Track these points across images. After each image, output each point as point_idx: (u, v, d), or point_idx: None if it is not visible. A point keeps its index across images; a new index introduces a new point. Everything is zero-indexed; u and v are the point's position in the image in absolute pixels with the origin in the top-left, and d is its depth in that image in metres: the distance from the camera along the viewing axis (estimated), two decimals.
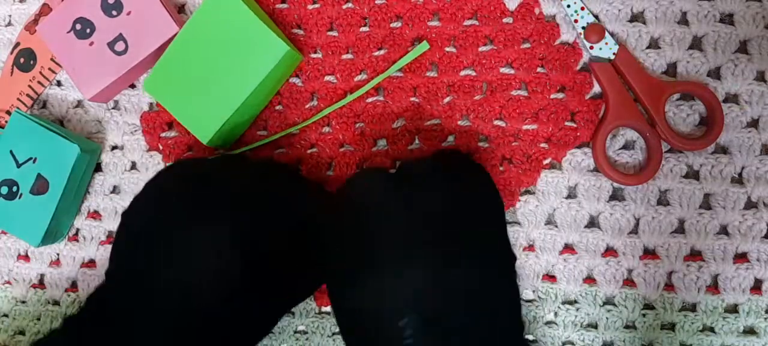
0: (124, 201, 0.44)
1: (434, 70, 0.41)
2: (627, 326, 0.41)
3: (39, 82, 0.45)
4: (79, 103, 0.45)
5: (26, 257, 0.45)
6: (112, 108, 0.44)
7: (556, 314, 0.41)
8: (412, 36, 0.41)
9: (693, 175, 0.40)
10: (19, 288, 0.45)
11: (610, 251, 0.41)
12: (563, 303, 0.41)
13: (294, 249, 0.32)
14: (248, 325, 0.30)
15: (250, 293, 0.30)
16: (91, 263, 0.45)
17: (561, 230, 0.41)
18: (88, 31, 0.41)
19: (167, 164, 0.43)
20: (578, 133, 0.40)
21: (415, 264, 0.28)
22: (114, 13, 0.41)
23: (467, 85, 0.41)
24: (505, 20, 0.40)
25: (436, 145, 0.41)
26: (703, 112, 0.40)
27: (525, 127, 0.40)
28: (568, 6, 0.40)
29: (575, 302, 0.41)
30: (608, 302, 0.41)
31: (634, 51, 0.40)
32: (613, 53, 0.40)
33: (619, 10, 0.40)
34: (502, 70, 0.41)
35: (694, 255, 0.40)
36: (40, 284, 0.45)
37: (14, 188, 0.42)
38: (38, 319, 0.45)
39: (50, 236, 0.42)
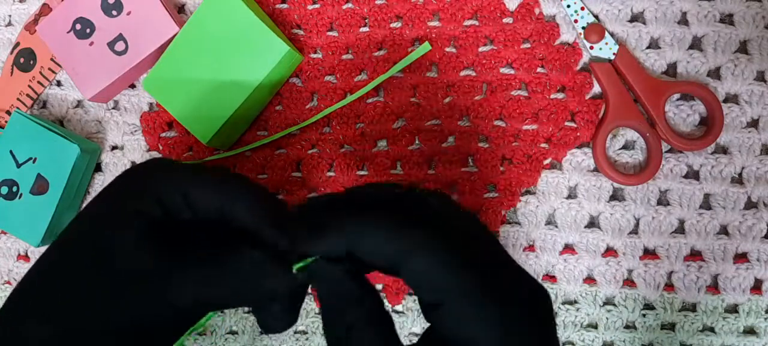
0: None
1: (434, 70, 0.41)
2: (627, 326, 0.41)
3: (39, 82, 0.44)
4: (79, 103, 0.45)
5: (26, 257, 0.45)
6: (112, 108, 0.44)
7: (556, 314, 0.41)
8: (412, 36, 0.41)
9: (693, 175, 0.40)
10: None
11: (610, 251, 0.41)
12: (563, 303, 0.41)
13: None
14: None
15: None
16: None
17: (561, 230, 0.41)
18: (88, 31, 0.41)
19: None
20: (578, 133, 0.40)
21: None
22: (114, 13, 0.41)
23: (467, 85, 0.41)
24: (505, 20, 0.40)
25: (436, 146, 0.41)
26: (703, 112, 0.40)
27: (525, 127, 0.40)
28: (568, 6, 0.40)
29: (575, 302, 0.41)
30: (608, 302, 0.41)
31: (634, 51, 0.40)
32: (613, 53, 0.40)
33: (619, 10, 0.40)
34: (502, 70, 0.41)
35: (694, 255, 0.40)
36: None
37: (14, 188, 0.42)
38: None
39: (50, 236, 0.42)
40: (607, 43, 0.40)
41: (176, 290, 0.26)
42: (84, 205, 0.45)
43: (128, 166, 0.44)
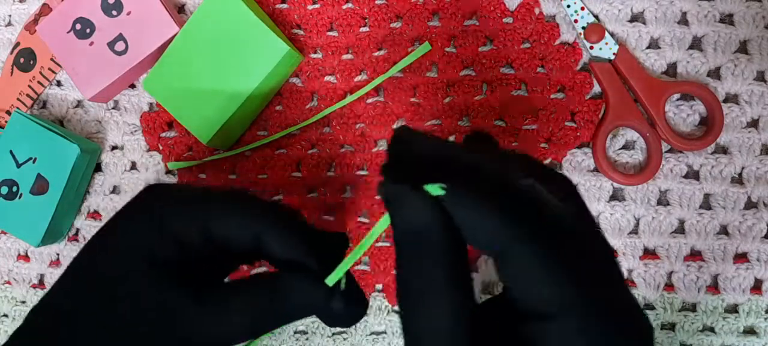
0: (123, 201, 0.44)
1: (434, 70, 0.41)
2: None
3: (39, 82, 0.45)
4: (79, 103, 0.45)
5: (26, 257, 0.45)
6: (112, 108, 0.44)
7: None
8: (412, 36, 0.41)
9: (693, 175, 0.40)
10: (19, 288, 0.45)
11: None
12: None
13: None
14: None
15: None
16: None
17: None
18: (88, 31, 0.41)
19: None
20: (578, 133, 0.40)
21: None
22: (114, 13, 0.41)
23: (467, 85, 0.41)
24: (505, 20, 0.40)
25: None
26: (703, 112, 0.40)
27: (525, 127, 0.40)
28: (568, 6, 0.40)
29: None
30: None
31: (634, 51, 0.40)
32: (613, 53, 0.40)
33: (619, 10, 0.40)
34: (502, 70, 0.41)
35: (694, 255, 0.40)
36: (40, 284, 0.45)
37: (14, 188, 0.42)
38: None
39: (50, 236, 0.42)
40: (607, 43, 0.40)
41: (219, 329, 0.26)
42: (84, 205, 0.45)
43: (129, 167, 0.44)
